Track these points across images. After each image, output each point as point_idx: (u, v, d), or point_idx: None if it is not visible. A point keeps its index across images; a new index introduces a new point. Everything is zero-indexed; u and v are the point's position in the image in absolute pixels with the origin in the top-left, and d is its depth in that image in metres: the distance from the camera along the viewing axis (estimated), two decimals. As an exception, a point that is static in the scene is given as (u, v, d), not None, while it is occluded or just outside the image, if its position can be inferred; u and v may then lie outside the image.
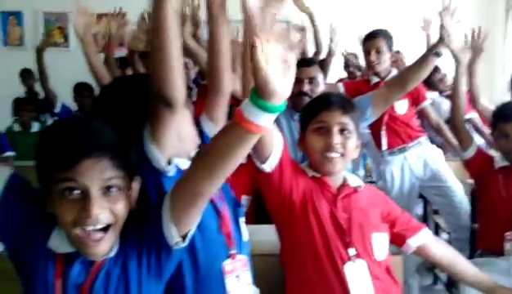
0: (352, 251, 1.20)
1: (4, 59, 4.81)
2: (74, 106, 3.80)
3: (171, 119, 1.01)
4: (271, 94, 0.72)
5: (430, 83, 3.42)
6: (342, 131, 1.27)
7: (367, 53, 2.53)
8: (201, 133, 1.22)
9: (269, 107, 0.73)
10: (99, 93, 1.31)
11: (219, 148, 0.83)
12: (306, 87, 2.01)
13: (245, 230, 1.22)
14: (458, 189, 2.54)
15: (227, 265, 1.13)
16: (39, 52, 3.34)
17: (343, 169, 1.31)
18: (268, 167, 1.17)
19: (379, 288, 1.21)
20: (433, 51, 1.77)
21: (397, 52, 3.70)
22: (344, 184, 1.30)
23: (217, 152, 0.83)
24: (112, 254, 0.93)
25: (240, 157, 0.82)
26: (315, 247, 1.20)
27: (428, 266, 3.01)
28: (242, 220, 1.23)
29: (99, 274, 0.91)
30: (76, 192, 0.85)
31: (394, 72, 2.58)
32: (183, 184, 0.91)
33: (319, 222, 1.22)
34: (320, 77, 2.06)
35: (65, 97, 3.75)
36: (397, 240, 1.32)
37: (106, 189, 0.87)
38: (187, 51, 1.98)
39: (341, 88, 2.62)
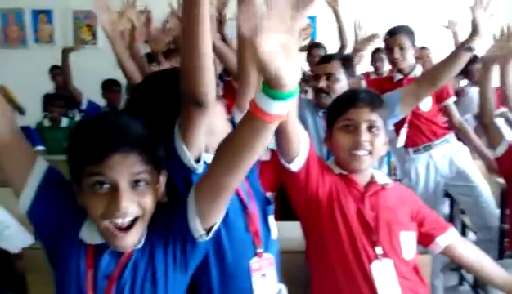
0: (379, 250, 1.19)
1: (35, 56, 4.94)
2: (102, 102, 3.89)
3: (201, 119, 1.01)
4: (276, 78, 0.70)
5: (467, 72, 3.27)
6: (370, 128, 1.25)
7: (390, 50, 2.47)
8: (234, 126, 1.22)
9: (278, 94, 0.72)
10: (134, 89, 1.33)
11: (238, 140, 0.83)
12: (322, 83, 1.97)
13: (274, 228, 1.22)
14: (484, 188, 2.47)
15: (254, 263, 1.13)
16: (65, 53, 3.42)
17: (371, 166, 1.30)
18: (295, 166, 1.17)
19: (407, 288, 1.19)
20: (465, 46, 1.72)
21: (424, 48, 3.62)
22: (372, 182, 1.28)
23: (237, 144, 0.83)
24: (140, 245, 0.95)
25: (259, 148, 0.81)
26: (341, 246, 1.19)
27: (454, 267, 2.95)
28: (271, 217, 1.22)
29: (127, 265, 0.94)
30: (106, 186, 0.88)
31: (418, 68, 2.52)
32: (207, 177, 0.92)
33: (345, 220, 1.21)
34: (340, 73, 1.99)
35: (93, 93, 3.84)
36: (425, 239, 1.30)
37: (135, 183, 0.89)
38: (214, 50, 1.99)
39: (363, 85, 2.58)
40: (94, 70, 3.84)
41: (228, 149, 0.85)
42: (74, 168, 0.92)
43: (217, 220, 0.95)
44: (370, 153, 1.25)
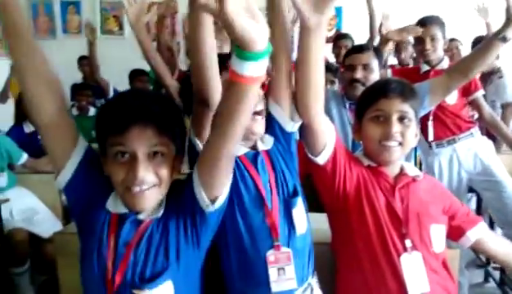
0: (408, 243, 1.17)
1: (63, 46, 5.05)
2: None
3: (207, 117, 1.04)
4: (242, 38, 0.73)
5: None
6: (401, 119, 1.23)
7: (421, 41, 2.40)
8: (270, 117, 1.20)
9: (247, 55, 0.75)
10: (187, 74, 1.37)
11: (224, 107, 0.87)
12: (359, 74, 1.94)
13: (300, 223, 1.18)
14: (508, 184, 2.40)
15: (270, 255, 1.12)
16: (90, 46, 3.47)
17: (401, 158, 1.27)
18: (321, 159, 1.16)
19: (435, 282, 1.18)
20: (499, 35, 1.66)
21: (453, 40, 3.52)
22: (402, 173, 1.26)
23: (224, 111, 0.87)
24: (159, 214, 1.02)
25: (244, 112, 0.84)
26: (369, 238, 1.18)
27: (480, 263, 2.89)
28: (297, 211, 1.18)
29: (144, 234, 1.02)
30: (126, 155, 0.97)
31: (446, 60, 2.45)
32: (205, 148, 0.98)
33: (374, 212, 1.19)
34: (374, 63, 1.96)
35: (120, 84, 3.89)
36: (455, 233, 1.27)
37: (152, 154, 0.98)
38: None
39: (389, 74, 2.53)
40: (121, 60, 3.89)
41: (218, 118, 0.90)
42: (100, 139, 1.01)
43: (221, 191, 0.99)
44: (401, 144, 1.22)
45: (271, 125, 1.19)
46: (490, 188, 2.43)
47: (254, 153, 1.19)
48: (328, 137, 1.15)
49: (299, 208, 1.19)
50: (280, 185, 1.18)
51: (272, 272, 1.12)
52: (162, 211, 1.02)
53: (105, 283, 0.99)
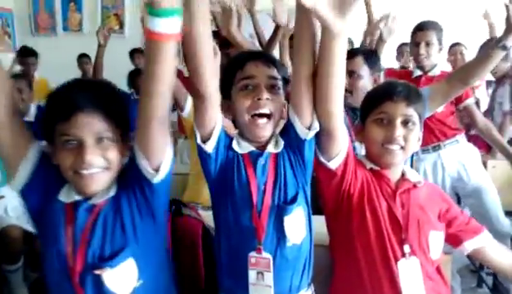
0: (407, 248, 1.16)
1: (63, 43, 5.04)
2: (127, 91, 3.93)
3: (201, 108, 1.07)
4: None
5: None
6: (405, 123, 1.22)
7: (416, 45, 2.42)
8: (289, 122, 1.17)
9: (155, 11, 0.83)
10: None
11: (145, 69, 0.92)
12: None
13: (294, 232, 1.13)
14: (491, 192, 2.42)
15: (252, 257, 1.11)
16: (99, 47, 3.46)
17: (403, 162, 1.27)
18: (334, 164, 1.16)
19: (430, 288, 1.17)
20: (499, 44, 1.67)
21: (457, 44, 3.54)
22: (403, 179, 1.26)
23: (145, 73, 0.92)
24: (109, 195, 1.05)
25: (162, 71, 0.90)
26: (368, 242, 1.17)
27: (473, 268, 2.89)
28: (290, 219, 1.12)
29: (99, 215, 1.04)
30: (74, 142, 1.00)
31: (438, 67, 2.47)
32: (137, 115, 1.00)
33: (375, 217, 1.18)
34: (363, 69, 1.90)
35: (119, 83, 3.87)
36: (454, 240, 1.27)
37: (99, 140, 1.01)
38: (234, 42, 2.02)
39: (382, 77, 2.52)
40: (121, 59, 3.89)
41: (143, 81, 0.93)
42: (47, 129, 1.03)
43: (162, 158, 1.01)
44: (403, 148, 1.22)
45: (288, 129, 1.17)
46: (472, 195, 2.46)
47: (258, 154, 1.17)
48: (343, 143, 1.15)
49: (294, 217, 1.13)
50: (278, 190, 1.15)
51: (252, 274, 1.11)
52: (114, 191, 1.06)
53: (68, 273, 1.00)
